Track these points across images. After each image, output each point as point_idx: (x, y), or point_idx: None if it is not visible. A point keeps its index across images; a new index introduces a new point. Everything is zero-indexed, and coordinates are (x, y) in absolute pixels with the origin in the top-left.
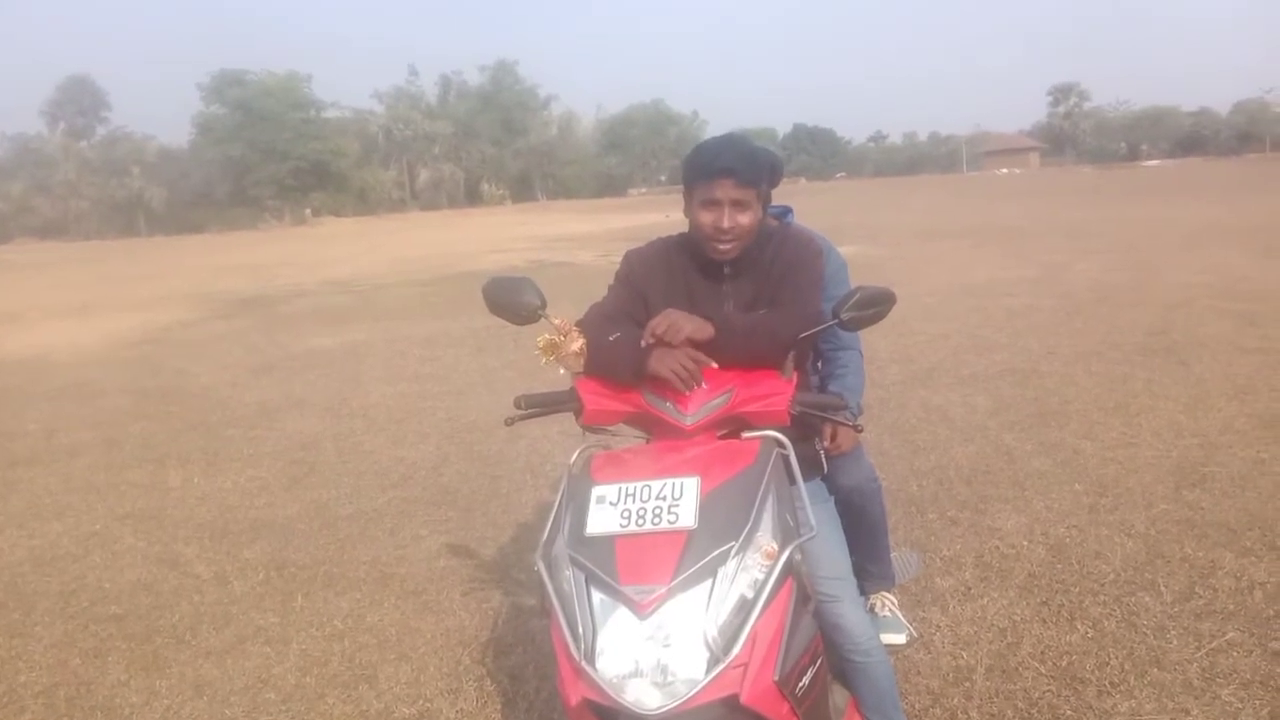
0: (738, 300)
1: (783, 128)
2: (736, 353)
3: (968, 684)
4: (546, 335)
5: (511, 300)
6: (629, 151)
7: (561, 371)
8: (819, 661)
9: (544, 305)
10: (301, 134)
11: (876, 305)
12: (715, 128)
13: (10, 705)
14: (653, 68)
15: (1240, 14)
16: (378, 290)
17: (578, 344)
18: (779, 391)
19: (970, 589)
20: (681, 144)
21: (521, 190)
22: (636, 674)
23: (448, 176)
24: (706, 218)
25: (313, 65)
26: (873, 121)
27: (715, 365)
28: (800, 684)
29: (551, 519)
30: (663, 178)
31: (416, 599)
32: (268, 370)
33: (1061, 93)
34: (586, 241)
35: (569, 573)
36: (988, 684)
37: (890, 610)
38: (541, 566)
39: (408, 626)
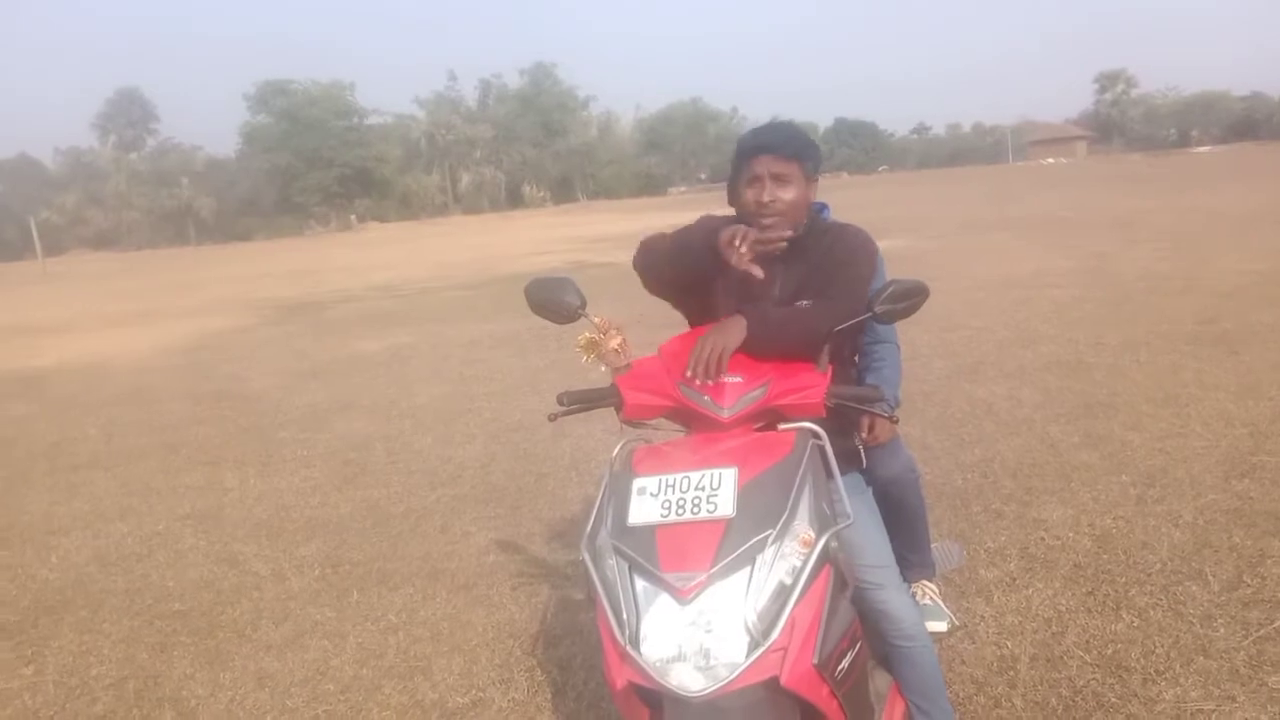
0: (785, 285)
1: (824, 122)
2: (771, 345)
3: (1012, 672)
4: (587, 334)
5: (552, 300)
6: (668, 150)
7: (603, 369)
8: (858, 646)
9: (584, 304)
10: (345, 141)
11: (910, 298)
12: (755, 124)
13: (83, 697)
14: (691, 66)
15: None
16: (422, 294)
17: (616, 341)
18: (814, 384)
19: (1015, 580)
20: (721, 142)
21: (562, 191)
22: (679, 658)
23: (489, 180)
24: (749, 194)
25: (355, 73)
26: (915, 113)
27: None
28: (840, 667)
29: (595, 511)
30: (703, 176)
31: (467, 593)
32: (317, 374)
33: (1108, 80)
34: (628, 241)
35: (612, 562)
36: (1032, 672)
37: (931, 598)
38: (586, 556)
39: (459, 620)
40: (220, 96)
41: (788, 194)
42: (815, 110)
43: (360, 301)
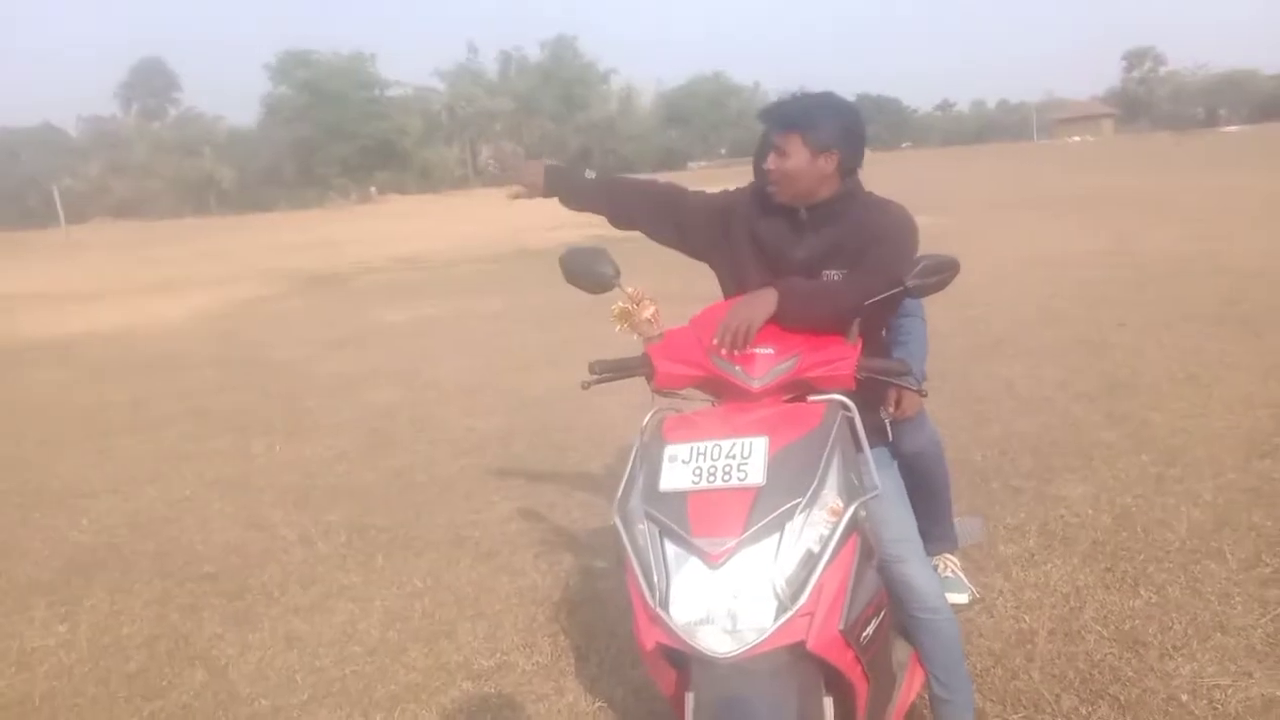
0: (811, 250)
1: (847, 97)
2: (801, 318)
3: (1029, 646)
4: (620, 304)
5: (587, 270)
6: (690, 125)
7: (635, 338)
8: (882, 614)
9: (618, 275)
10: (367, 113)
11: (941, 273)
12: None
13: (117, 655)
14: (715, 41)
15: None
16: (445, 267)
17: (650, 311)
18: (844, 357)
19: (1034, 555)
20: (743, 116)
21: (583, 165)
22: (708, 621)
23: (510, 153)
24: (766, 163)
25: (376, 44)
26: (939, 90)
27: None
28: (864, 634)
29: (625, 477)
30: (723, 151)
31: (491, 560)
32: (342, 344)
33: (1136, 57)
34: None
35: (643, 526)
36: (1050, 646)
37: (953, 571)
38: (618, 521)
39: (484, 586)
40: (243, 67)
41: (785, 164)
42: (839, 85)
43: (383, 273)
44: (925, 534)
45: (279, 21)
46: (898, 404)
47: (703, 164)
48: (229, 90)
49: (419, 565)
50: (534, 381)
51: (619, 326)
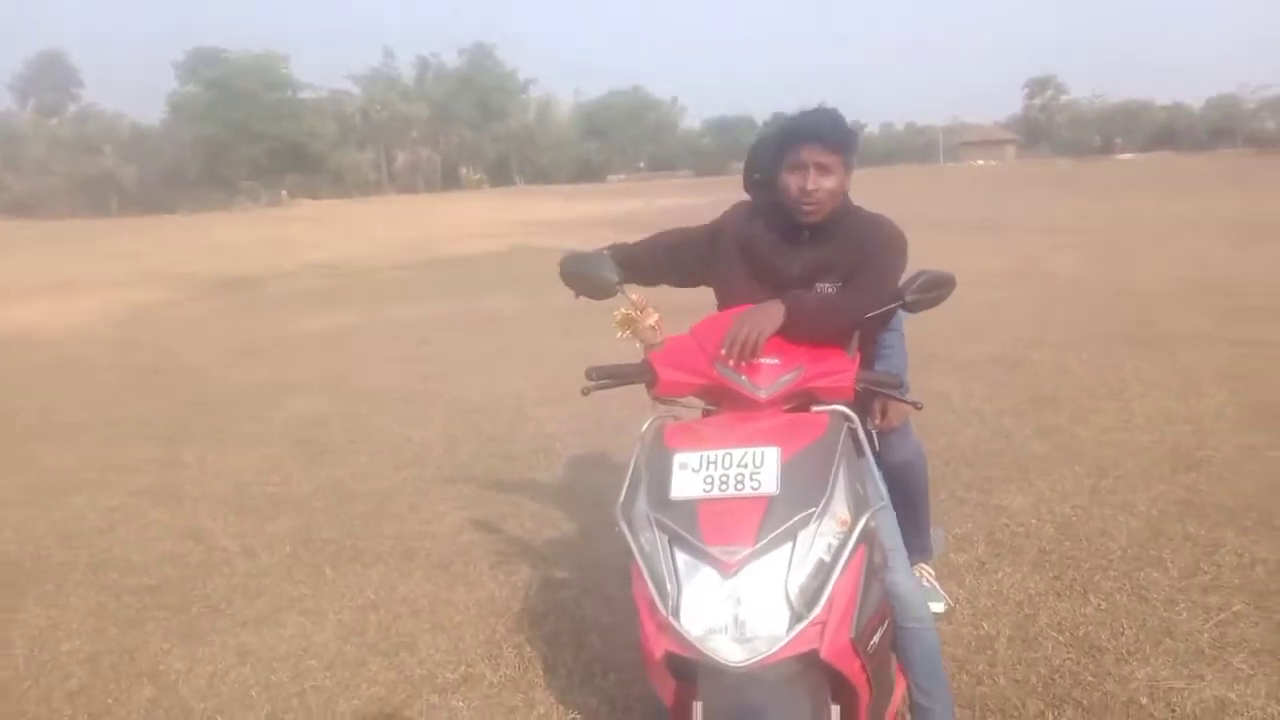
0: (806, 264)
1: (761, 116)
2: (807, 330)
3: (990, 652)
4: (623, 310)
5: (589, 274)
6: (608, 137)
7: (638, 346)
8: (886, 623)
9: (621, 280)
10: (278, 114)
11: (939, 288)
12: (694, 114)
13: (56, 672)
14: (631, 53)
15: (1218, 10)
16: (362, 274)
17: (653, 319)
18: (845, 368)
19: (984, 564)
20: (660, 130)
21: (499, 175)
22: (720, 629)
23: (425, 160)
24: (793, 181)
25: (289, 46)
26: (849, 111)
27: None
28: (871, 642)
29: (627, 483)
30: (641, 164)
31: (445, 572)
32: (258, 351)
33: (1038, 85)
34: (569, 227)
35: (651, 534)
36: (1010, 652)
37: (929, 580)
38: (623, 527)
39: (440, 598)
40: (148, 64)
41: (829, 183)
42: (754, 103)
43: (296, 279)
44: (906, 544)
45: (189, 20)
46: (884, 415)
47: (621, 177)
48: (133, 88)
49: (370, 577)
50: (468, 390)
51: (621, 333)
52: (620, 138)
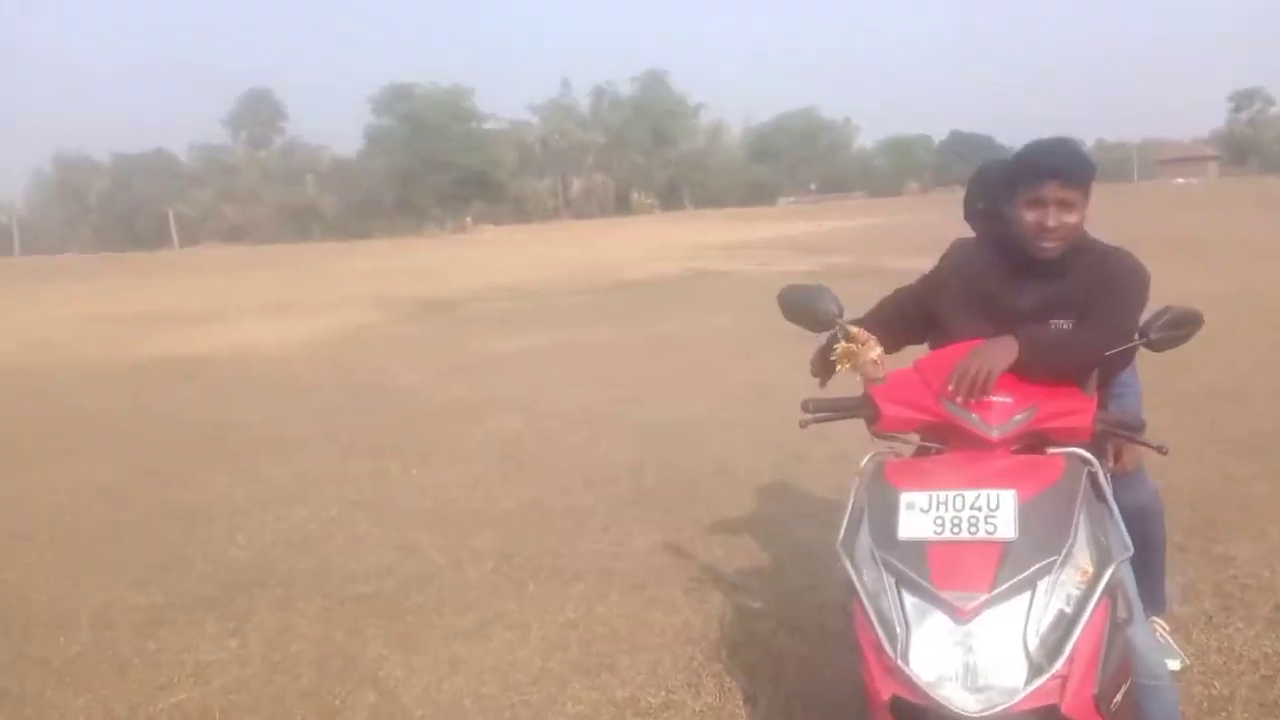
0: (1038, 299)
1: (939, 135)
2: (1042, 368)
3: (1225, 714)
4: (844, 343)
5: (809, 307)
6: (778, 160)
7: (858, 379)
8: (1129, 681)
9: (841, 313)
10: (464, 145)
11: (1186, 325)
12: (868, 134)
13: (287, 672)
14: (804, 75)
15: None
16: (546, 296)
17: (875, 353)
18: (1083, 408)
19: (1212, 618)
20: (833, 151)
21: (670, 199)
22: (952, 677)
23: (599, 185)
24: (1031, 216)
25: (476, 79)
26: (1034, 128)
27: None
28: (1114, 700)
29: (847, 519)
30: (813, 186)
31: (640, 594)
32: (459, 370)
33: (1244, 98)
34: (740, 250)
35: (876, 573)
36: (1246, 715)
37: (1164, 635)
38: (846, 563)
39: (637, 619)
40: (346, 98)
41: (1072, 218)
42: (930, 122)
43: (487, 302)
44: (1140, 595)
45: (384, 55)
46: (1118, 457)
47: (792, 199)
48: (333, 121)
49: (570, 595)
50: (654, 412)
51: (842, 366)
52: (791, 160)
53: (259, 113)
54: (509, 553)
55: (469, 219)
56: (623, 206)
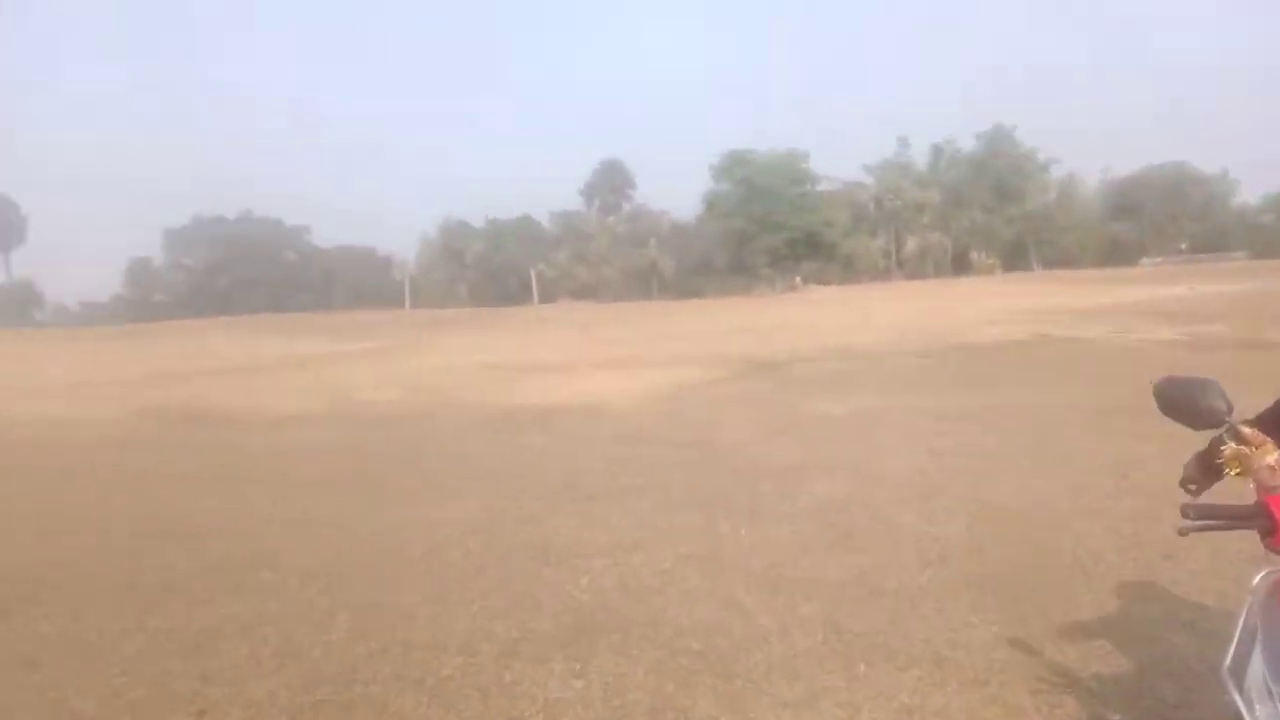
0: None
1: None
2: None
3: None
4: (1232, 444)
5: (1191, 403)
6: (1141, 217)
7: (1250, 485)
8: None
9: (1230, 411)
10: (797, 207)
11: None
12: (1250, 189)
13: (626, 718)
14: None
15: None
16: (877, 358)
17: (1272, 456)
18: None
19: None
20: (1208, 209)
21: (1014, 258)
22: None
23: (935, 245)
24: None
25: (810, 142)
26: None
27: None
28: None
29: (1235, 642)
30: (1183, 246)
31: (981, 689)
32: (787, 430)
33: None
34: (1094, 316)
35: (1272, 708)
36: None
37: None
38: (1234, 693)
39: (976, 716)
40: (686, 166)
41: None
42: None
43: (815, 362)
44: None
45: (723, 119)
46: None
47: (1158, 260)
48: (675, 188)
49: (903, 681)
50: (994, 489)
51: (1231, 471)
52: (1157, 217)
53: (611, 181)
54: (838, 626)
55: (799, 278)
56: (960, 266)
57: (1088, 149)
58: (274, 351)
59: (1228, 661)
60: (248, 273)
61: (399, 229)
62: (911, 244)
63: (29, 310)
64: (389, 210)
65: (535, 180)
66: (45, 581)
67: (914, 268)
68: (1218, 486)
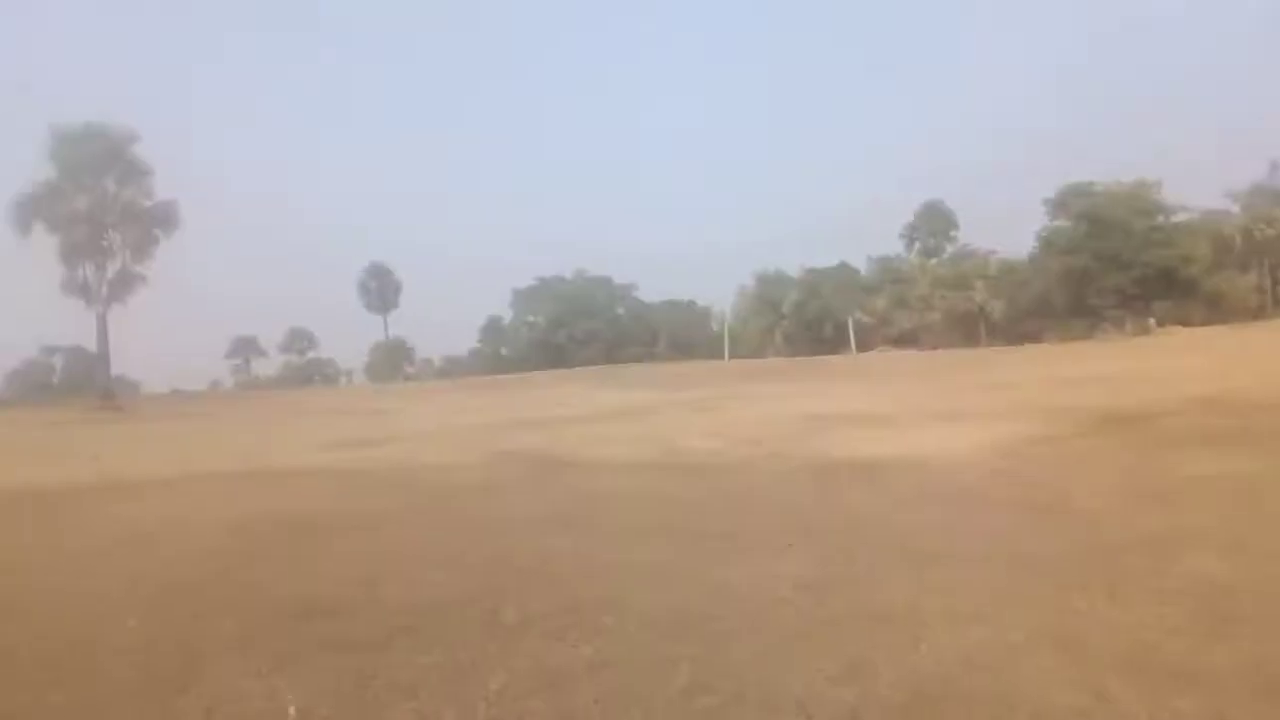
0: None
1: None
2: None
3: None
4: None
5: None
6: None
7: None
8: None
9: None
10: (1148, 241)
11: None
12: None
13: None
14: None
15: None
16: (1255, 410)
17: None
18: None
19: None
20: None
21: None
22: None
23: None
24: None
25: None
26: None
27: None
28: None
29: None
30: None
31: None
32: (1151, 496)
33: None
34: None
35: None
36: None
37: None
38: None
39: None
40: (1014, 202)
41: None
42: None
43: (1179, 415)
44: None
45: (1054, 149)
46: None
47: None
48: (1002, 226)
49: None
50: None
51: None
52: None
53: (932, 224)
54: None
55: (1152, 320)
56: None
57: None
58: (610, 402)
59: None
60: (583, 327)
61: (717, 278)
62: None
63: (401, 364)
64: (707, 262)
65: (852, 223)
66: (423, 614)
67: None
68: None
